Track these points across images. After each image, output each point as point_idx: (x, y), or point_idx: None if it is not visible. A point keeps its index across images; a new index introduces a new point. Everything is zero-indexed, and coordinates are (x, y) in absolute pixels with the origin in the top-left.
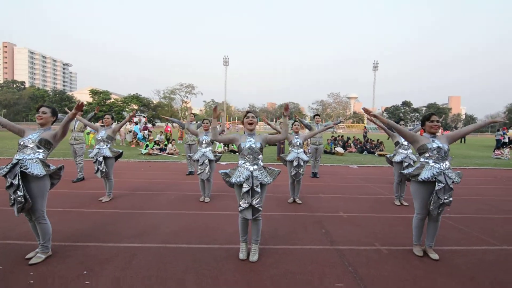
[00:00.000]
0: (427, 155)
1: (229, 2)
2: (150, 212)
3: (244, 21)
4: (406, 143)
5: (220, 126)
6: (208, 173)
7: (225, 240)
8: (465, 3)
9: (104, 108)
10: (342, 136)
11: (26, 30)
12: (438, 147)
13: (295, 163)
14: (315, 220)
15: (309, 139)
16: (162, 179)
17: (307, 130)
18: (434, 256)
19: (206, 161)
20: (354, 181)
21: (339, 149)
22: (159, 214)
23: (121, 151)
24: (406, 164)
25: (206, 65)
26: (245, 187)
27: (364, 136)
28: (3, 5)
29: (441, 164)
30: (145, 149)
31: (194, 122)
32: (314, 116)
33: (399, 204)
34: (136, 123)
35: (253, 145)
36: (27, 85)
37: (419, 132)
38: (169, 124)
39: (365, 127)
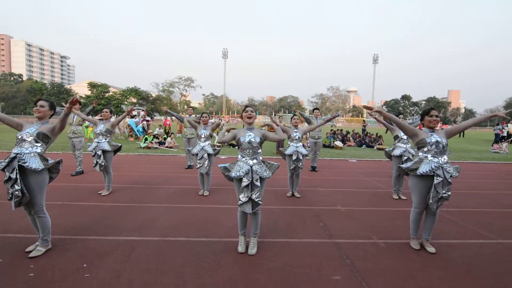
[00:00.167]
0: (425, 149)
1: None
2: (149, 206)
3: (244, 14)
4: (405, 137)
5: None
6: (207, 167)
7: (224, 233)
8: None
9: (103, 101)
10: (341, 130)
11: (23, 22)
12: (437, 141)
13: (294, 157)
14: (313, 214)
15: (308, 133)
16: (161, 172)
17: (306, 124)
18: (431, 249)
19: (205, 155)
20: (352, 175)
21: (338, 143)
22: (158, 207)
23: (120, 144)
24: (405, 158)
25: (205, 58)
26: (245, 182)
27: (363, 130)
28: None
29: (440, 158)
30: (144, 142)
31: (194, 115)
32: (314, 109)
33: (397, 198)
34: (132, 117)
35: (253, 140)
36: (24, 78)
37: (418, 127)
38: (168, 118)
39: (364, 120)
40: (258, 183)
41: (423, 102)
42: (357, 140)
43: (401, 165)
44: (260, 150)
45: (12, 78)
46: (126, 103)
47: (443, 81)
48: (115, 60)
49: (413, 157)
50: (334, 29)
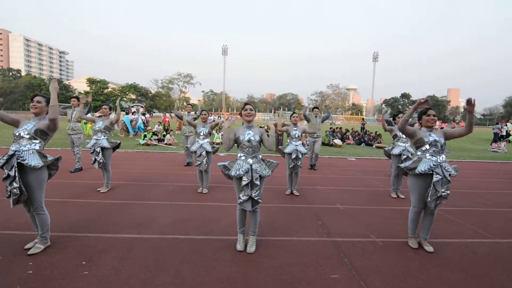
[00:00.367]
0: (423, 148)
1: None
2: (148, 203)
3: (244, 11)
4: (404, 136)
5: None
6: (206, 165)
7: (223, 231)
8: None
9: (102, 98)
10: (340, 128)
11: (21, 17)
12: (435, 140)
13: (293, 156)
14: (312, 212)
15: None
16: (160, 169)
17: (305, 122)
18: (429, 248)
19: (204, 152)
20: (351, 173)
21: (337, 141)
22: (157, 205)
23: (118, 141)
24: (404, 156)
25: (205, 55)
26: (245, 180)
27: (362, 128)
28: None
29: (438, 157)
30: (143, 139)
31: (193, 112)
32: (313, 108)
33: (396, 196)
34: (127, 113)
35: (252, 138)
36: (23, 73)
37: (417, 125)
38: (167, 114)
39: (363, 118)
40: (258, 182)
41: None
42: (356, 138)
43: (400, 165)
44: (259, 149)
45: (10, 74)
46: (125, 99)
47: (443, 79)
48: (114, 56)
49: (412, 156)
50: (334, 26)
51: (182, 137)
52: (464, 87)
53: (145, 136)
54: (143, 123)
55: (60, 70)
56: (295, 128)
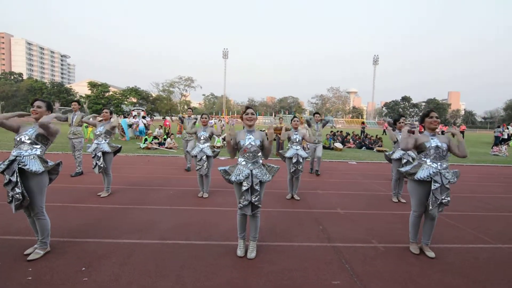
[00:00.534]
0: (424, 153)
1: None
2: (149, 208)
3: (244, 15)
4: None
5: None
6: (206, 169)
7: (223, 236)
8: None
9: (103, 101)
10: (341, 132)
11: (23, 20)
12: (437, 146)
13: (294, 160)
14: (312, 217)
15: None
16: (160, 174)
17: (305, 125)
18: (430, 254)
19: (204, 157)
20: (352, 177)
21: (338, 145)
22: (158, 209)
23: (119, 146)
24: (405, 161)
25: (206, 58)
26: (245, 186)
27: (362, 132)
28: None
29: (438, 163)
30: (144, 143)
31: (193, 116)
32: (314, 114)
33: (397, 201)
34: (125, 117)
35: (253, 143)
36: (24, 76)
37: (418, 128)
38: (168, 118)
39: (363, 122)
40: (258, 187)
41: (423, 104)
42: (357, 141)
43: (400, 169)
44: (260, 153)
45: (12, 77)
46: (126, 102)
47: (443, 82)
48: (115, 60)
49: (413, 160)
50: (335, 30)
51: (182, 141)
52: (465, 90)
53: (145, 140)
54: (145, 126)
55: (62, 73)
56: (295, 132)
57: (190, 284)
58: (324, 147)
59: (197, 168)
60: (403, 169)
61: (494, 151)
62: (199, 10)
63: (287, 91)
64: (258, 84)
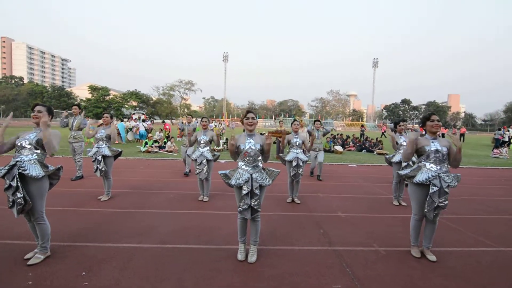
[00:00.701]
0: (424, 157)
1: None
2: (149, 212)
3: (244, 18)
4: (404, 143)
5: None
6: (206, 173)
7: (223, 240)
8: (465, 1)
9: (103, 105)
10: (341, 135)
11: (24, 25)
12: (437, 149)
13: (294, 163)
14: (313, 220)
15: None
16: (160, 177)
17: (306, 129)
18: (432, 257)
19: (204, 161)
20: (352, 180)
21: (338, 148)
22: (158, 213)
23: (120, 150)
24: (405, 164)
25: (206, 62)
26: (245, 190)
27: (362, 135)
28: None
29: (438, 167)
30: (144, 146)
31: (194, 120)
32: (315, 121)
33: (398, 204)
34: (121, 120)
35: (253, 147)
36: (25, 80)
37: (419, 130)
38: (167, 122)
39: (362, 125)
40: (258, 191)
41: (423, 106)
42: (357, 144)
43: (400, 172)
44: (260, 157)
45: (13, 81)
46: (126, 106)
47: (443, 85)
48: (115, 64)
49: (413, 164)
50: (334, 33)
51: (181, 148)
52: (464, 92)
53: (146, 143)
54: (146, 130)
55: (62, 77)
56: (296, 136)
57: None
58: (324, 150)
59: (197, 172)
60: (402, 172)
61: (494, 154)
62: (199, 13)
63: (287, 94)
64: (258, 87)
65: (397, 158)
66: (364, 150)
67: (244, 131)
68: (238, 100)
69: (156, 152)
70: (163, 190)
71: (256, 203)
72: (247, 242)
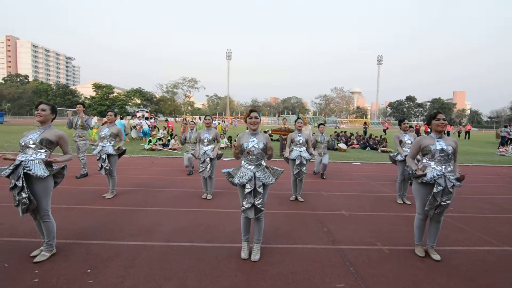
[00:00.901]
0: (429, 156)
1: None
2: (153, 209)
3: (248, 16)
4: (409, 141)
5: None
6: (210, 171)
7: (227, 238)
8: None
9: (107, 102)
10: (345, 132)
11: (29, 23)
12: (442, 149)
13: (297, 162)
14: (316, 219)
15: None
16: (165, 175)
17: (309, 126)
18: (436, 256)
19: (208, 159)
20: (356, 178)
21: (342, 145)
22: (162, 211)
23: (124, 148)
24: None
25: (209, 59)
26: (248, 188)
27: (365, 132)
28: None
29: (443, 166)
30: (148, 144)
31: (198, 123)
32: (319, 125)
33: (402, 202)
34: (121, 118)
35: (256, 145)
36: (30, 79)
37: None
38: (170, 120)
39: (365, 122)
40: (261, 190)
41: (428, 103)
42: (361, 142)
43: (407, 168)
44: (263, 156)
45: (18, 79)
46: (130, 104)
47: (448, 82)
48: (119, 61)
49: (418, 162)
50: (338, 30)
51: (184, 155)
52: (470, 89)
53: (149, 141)
54: (149, 127)
55: (67, 75)
56: (299, 134)
57: (194, 287)
58: (328, 148)
59: (200, 170)
60: (409, 169)
61: (500, 151)
62: (203, 12)
63: (290, 92)
64: (262, 84)
65: (401, 156)
66: (368, 147)
67: (247, 129)
68: (242, 97)
69: (160, 150)
70: (167, 188)
71: (259, 201)
72: (251, 240)
